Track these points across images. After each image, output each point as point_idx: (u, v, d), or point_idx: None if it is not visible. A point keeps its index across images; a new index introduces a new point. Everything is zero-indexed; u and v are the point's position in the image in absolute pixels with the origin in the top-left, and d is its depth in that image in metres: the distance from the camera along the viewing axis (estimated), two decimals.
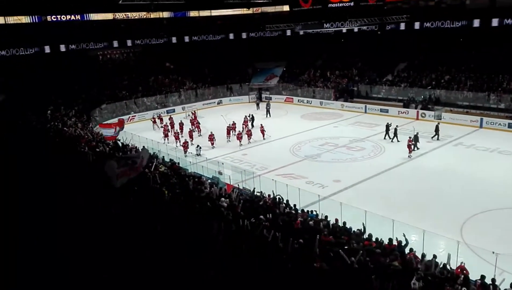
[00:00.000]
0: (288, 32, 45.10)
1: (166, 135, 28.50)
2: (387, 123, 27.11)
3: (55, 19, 37.86)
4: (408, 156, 23.12)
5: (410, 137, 23.78)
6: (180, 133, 28.95)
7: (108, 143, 20.33)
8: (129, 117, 37.02)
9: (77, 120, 28.49)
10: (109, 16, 40.73)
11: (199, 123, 30.81)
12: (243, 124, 29.72)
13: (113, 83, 40.00)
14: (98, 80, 39.25)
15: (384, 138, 26.68)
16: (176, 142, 27.66)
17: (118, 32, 42.20)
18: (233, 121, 29.50)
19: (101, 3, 38.73)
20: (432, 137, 26.10)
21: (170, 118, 32.40)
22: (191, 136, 27.69)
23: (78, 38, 39.73)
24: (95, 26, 40.66)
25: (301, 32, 43.55)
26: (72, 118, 28.75)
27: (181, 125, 30.02)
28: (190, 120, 31.79)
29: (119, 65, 44.55)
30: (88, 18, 39.71)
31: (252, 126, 30.98)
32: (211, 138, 26.70)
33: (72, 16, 38.71)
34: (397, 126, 26.70)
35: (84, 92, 36.23)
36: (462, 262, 10.18)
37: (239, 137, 26.91)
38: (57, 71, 36.76)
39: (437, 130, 25.99)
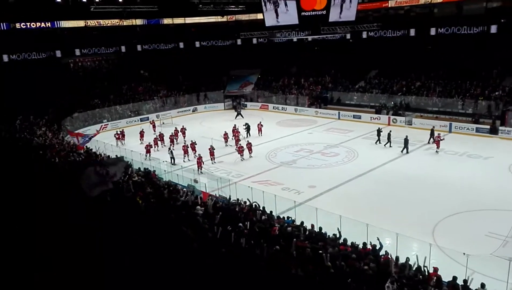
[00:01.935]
0: (263, 40, 45.45)
1: (148, 151, 26.35)
2: (378, 128, 27.49)
3: (24, 27, 36.98)
4: (436, 151, 24.86)
5: (439, 134, 25.97)
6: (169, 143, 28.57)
7: (80, 153, 19.90)
8: (102, 125, 36.41)
9: (47, 129, 27.77)
10: (80, 23, 40.08)
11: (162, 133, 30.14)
12: (233, 135, 28.83)
13: (85, 91, 39.25)
14: (69, 88, 38.41)
15: (376, 143, 26.92)
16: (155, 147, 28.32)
17: (90, 39, 41.52)
18: (235, 126, 29.68)
19: (72, 10, 38.04)
20: (385, 145, 26.59)
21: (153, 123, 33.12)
22: (156, 143, 28.60)
23: (48, 46, 38.90)
24: (66, 33, 39.91)
25: (275, 40, 43.97)
26: (42, 128, 28.00)
27: (161, 135, 29.78)
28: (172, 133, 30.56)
29: (91, 73, 43.79)
30: (58, 26, 38.95)
31: (249, 135, 30.62)
32: (212, 153, 24.96)
33: (42, 23, 37.91)
34: (390, 131, 27.22)
35: (55, 100, 35.37)
36: (433, 267, 10.38)
37: (240, 151, 25.35)
38: (27, 80, 35.78)
39: (389, 137, 26.48)
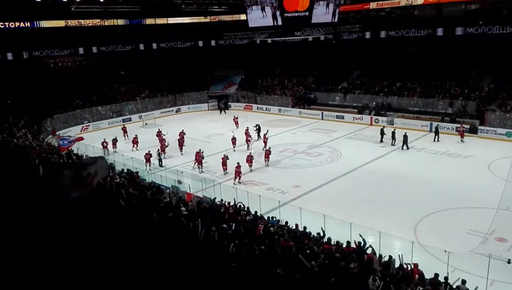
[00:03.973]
0: (246, 41, 45.45)
1: (148, 160, 24.44)
2: (393, 130, 27.32)
3: (2, 26, 36.18)
4: (461, 141, 26.95)
5: (463, 126, 27.62)
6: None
7: (62, 155, 19.56)
8: (83, 126, 35.88)
9: (27, 131, 27.22)
10: (61, 23, 39.38)
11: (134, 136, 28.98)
12: (246, 139, 27.54)
13: (66, 92, 38.59)
14: (49, 89, 37.70)
15: (392, 144, 26.80)
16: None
17: (71, 39, 40.86)
18: (247, 129, 28.35)
19: (53, 10, 37.35)
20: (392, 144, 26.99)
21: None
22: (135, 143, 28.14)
23: (28, 46, 38.14)
24: (46, 33, 39.17)
25: (258, 41, 44.03)
26: (22, 129, 27.44)
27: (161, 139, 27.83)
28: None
29: (72, 74, 43.09)
30: (38, 25, 38.19)
31: (259, 137, 29.44)
32: (224, 162, 22.74)
33: (22, 23, 37.12)
34: (394, 129, 27.51)
35: (35, 101, 34.69)
36: (413, 263, 10.52)
37: (249, 160, 22.88)
38: (6, 80, 35.03)
39: (393, 136, 26.92)
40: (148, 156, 24.32)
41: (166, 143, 26.60)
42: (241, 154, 24.57)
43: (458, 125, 28.49)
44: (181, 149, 27.12)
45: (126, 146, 28.73)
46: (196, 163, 23.65)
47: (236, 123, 33.88)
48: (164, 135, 28.43)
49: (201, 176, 21.14)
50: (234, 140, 27.12)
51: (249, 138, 27.76)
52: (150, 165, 23.91)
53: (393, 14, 40.05)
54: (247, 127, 28.93)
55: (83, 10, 38.48)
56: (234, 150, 26.59)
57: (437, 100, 32.82)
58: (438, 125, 28.68)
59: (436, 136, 27.60)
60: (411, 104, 34.07)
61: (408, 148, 25.83)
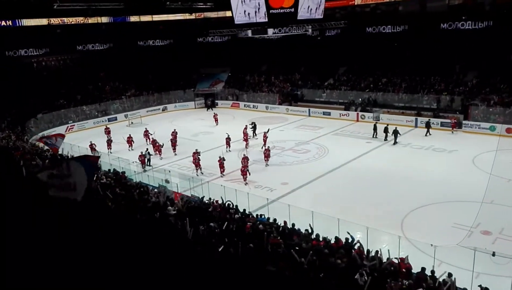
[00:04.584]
0: (229, 37, 45.30)
1: (143, 162, 23.84)
2: (386, 126, 27.44)
3: None
4: (452, 132, 28.20)
5: (454, 118, 28.85)
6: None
7: (46, 156, 19.26)
8: (68, 126, 35.40)
9: (10, 132, 26.74)
10: (43, 21, 38.69)
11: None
12: (244, 137, 27.15)
13: (50, 92, 38.00)
14: (33, 88, 37.07)
15: (385, 140, 27.02)
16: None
17: (54, 38, 40.23)
18: (246, 128, 27.90)
19: (35, 8, 36.67)
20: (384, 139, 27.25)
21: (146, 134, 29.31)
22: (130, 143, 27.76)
23: (10, 45, 37.43)
24: (29, 32, 38.46)
25: (245, 38, 43.86)
26: (5, 130, 26.95)
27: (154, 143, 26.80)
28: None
29: (56, 73, 42.43)
30: (20, 24, 37.47)
31: (254, 135, 28.88)
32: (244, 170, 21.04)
33: (3, 21, 36.37)
34: (387, 125, 27.68)
35: (18, 102, 34.08)
36: (399, 257, 10.62)
37: (244, 172, 20.72)
38: None
39: (386, 131, 27.10)
40: (142, 158, 23.69)
41: (161, 143, 25.96)
42: (237, 154, 24.49)
43: (448, 121, 29.02)
44: (174, 149, 26.56)
45: (118, 147, 27.92)
46: (196, 167, 22.48)
47: (216, 120, 34.48)
48: (151, 134, 28.22)
49: (189, 175, 21.04)
50: (228, 140, 26.35)
51: (246, 136, 27.29)
52: (145, 166, 23.40)
53: (377, 10, 40.38)
54: (246, 126, 28.44)
55: (66, 8, 37.84)
56: (229, 151, 26.01)
57: (422, 95, 33.20)
58: (429, 120, 28.97)
59: (428, 131, 27.94)
60: (396, 99, 34.40)
61: (395, 142, 26.20)
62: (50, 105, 36.26)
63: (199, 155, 22.55)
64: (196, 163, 22.38)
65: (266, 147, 24.51)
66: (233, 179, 21.06)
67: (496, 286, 9.92)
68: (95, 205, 11.41)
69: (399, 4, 37.89)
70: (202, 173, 22.32)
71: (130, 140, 28.06)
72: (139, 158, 23.59)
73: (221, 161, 21.84)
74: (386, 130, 27.06)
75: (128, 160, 22.92)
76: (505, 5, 33.21)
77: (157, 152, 25.82)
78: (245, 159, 21.37)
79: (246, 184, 20.41)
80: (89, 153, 23.76)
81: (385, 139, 27.01)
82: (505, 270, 10.87)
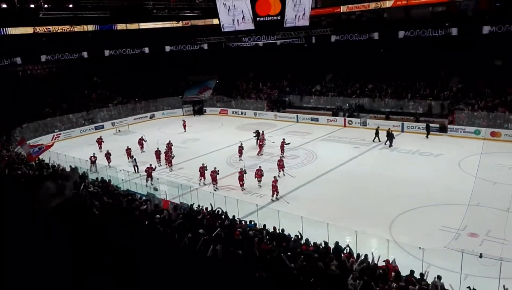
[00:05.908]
0: (219, 45, 45.36)
1: (149, 175, 22.02)
2: (388, 129, 27.74)
3: None
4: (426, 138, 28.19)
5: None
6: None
7: (31, 164, 19.01)
8: (54, 135, 35.00)
9: None
10: (29, 30, 38.32)
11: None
12: (258, 143, 26.88)
13: (35, 100, 37.53)
14: (18, 97, 36.55)
15: (385, 144, 27.15)
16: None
17: (40, 46, 39.82)
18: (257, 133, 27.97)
19: (20, 16, 36.29)
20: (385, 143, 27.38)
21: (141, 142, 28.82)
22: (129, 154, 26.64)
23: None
24: (14, 40, 38.01)
25: (232, 45, 44.03)
26: None
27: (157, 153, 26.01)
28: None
29: (42, 81, 41.99)
30: (5, 32, 37.03)
31: (257, 144, 27.69)
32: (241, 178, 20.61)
33: None
34: (378, 127, 28.26)
35: (3, 110, 33.57)
36: (390, 260, 10.70)
37: (275, 187, 19.10)
38: None
39: (388, 135, 27.20)
40: (150, 170, 21.89)
41: (172, 155, 25.11)
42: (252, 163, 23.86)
43: (436, 126, 29.67)
44: (167, 161, 25.26)
45: (117, 160, 25.97)
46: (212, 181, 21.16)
47: (184, 127, 35.00)
48: (145, 141, 28.41)
49: (178, 182, 20.90)
50: (241, 148, 25.57)
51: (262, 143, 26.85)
52: (152, 180, 21.60)
53: (363, 17, 40.85)
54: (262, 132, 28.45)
55: (51, 16, 37.60)
56: (241, 160, 24.94)
57: (408, 100, 33.62)
58: (428, 123, 29.43)
59: (428, 133, 28.52)
60: (382, 105, 34.77)
61: (391, 145, 26.72)
62: (35, 114, 35.82)
63: (217, 173, 20.91)
64: (213, 177, 20.88)
65: (279, 157, 23.72)
66: (223, 186, 20.98)
67: (484, 287, 10.04)
68: (83, 214, 11.28)
69: (384, 11, 38.41)
70: (205, 184, 21.29)
71: (129, 152, 26.54)
72: (145, 171, 22.00)
73: (242, 174, 20.43)
74: (377, 133, 27.60)
75: (116, 168, 22.72)
76: (487, 10, 33.98)
77: (167, 163, 24.89)
78: (274, 181, 19.30)
79: (277, 198, 19.12)
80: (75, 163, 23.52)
81: (385, 144, 27.09)
82: (492, 272, 10.99)
